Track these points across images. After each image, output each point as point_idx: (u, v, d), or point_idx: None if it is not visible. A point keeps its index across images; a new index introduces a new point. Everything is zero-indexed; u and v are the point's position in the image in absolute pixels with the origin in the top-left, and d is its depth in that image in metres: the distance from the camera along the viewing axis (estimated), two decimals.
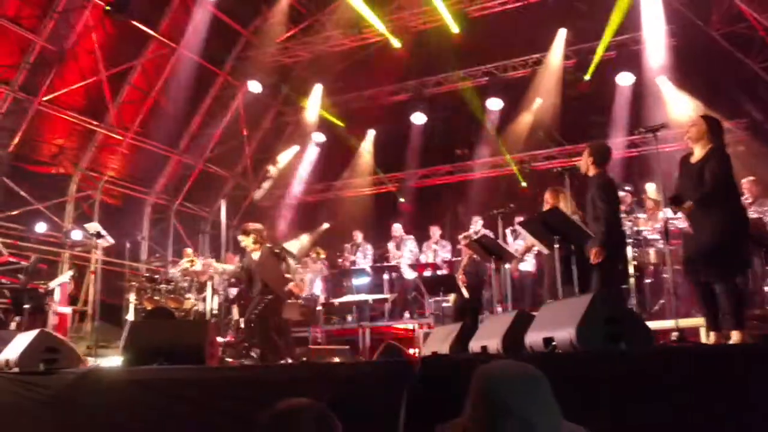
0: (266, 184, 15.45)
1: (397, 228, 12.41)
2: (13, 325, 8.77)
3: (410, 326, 10.99)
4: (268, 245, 8.03)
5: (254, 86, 14.03)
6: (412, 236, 12.31)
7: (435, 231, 11.82)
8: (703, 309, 5.00)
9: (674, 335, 5.15)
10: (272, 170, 15.26)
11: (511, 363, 1.79)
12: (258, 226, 8.29)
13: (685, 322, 6.37)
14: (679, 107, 11.59)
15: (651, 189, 9.74)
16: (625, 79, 12.21)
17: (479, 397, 1.71)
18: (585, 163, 5.85)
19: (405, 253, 12.08)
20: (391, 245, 12.32)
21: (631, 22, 11.77)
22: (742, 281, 7.35)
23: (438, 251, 11.50)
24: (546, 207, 6.62)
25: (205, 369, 4.59)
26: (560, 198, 6.58)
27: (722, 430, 2.79)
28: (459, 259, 10.39)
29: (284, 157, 15.35)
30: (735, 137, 11.47)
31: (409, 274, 11.90)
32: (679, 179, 5.19)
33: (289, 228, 15.37)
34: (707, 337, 5.08)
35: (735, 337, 4.65)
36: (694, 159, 5.06)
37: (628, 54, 12.22)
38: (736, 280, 4.84)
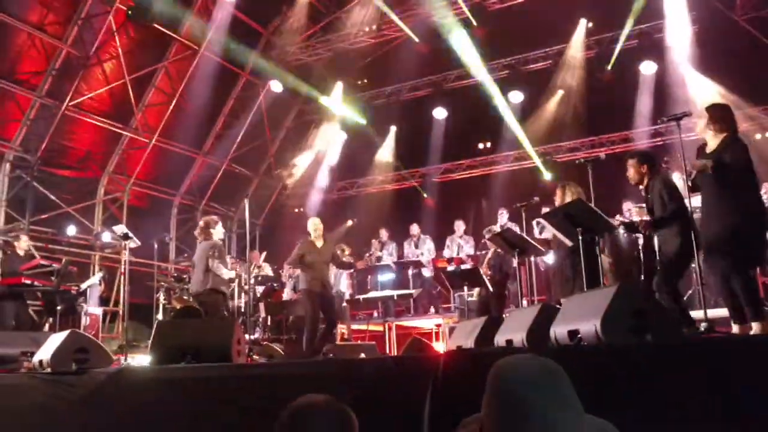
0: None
1: (414, 227, 12.42)
2: (46, 327, 8.97)
3: (435, 321, 11.00)
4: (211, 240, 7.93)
5: (276, 86, 14.12)
6: (428, 236, 12.31)
7: (459, 225, 11.75)
8: (726, 300, 4.93)
9: (703, 326, 5.08)
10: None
11: (527, 357, 1.72)
12: (208, 218, 8.15)
13: (714, 312, 6.28)
14: (704, 94, 11.41)
15: (675, 178, 9.59)
16: (648, 68, 12.07)
17: (494, 395, 1.65)
18: (638, 173, 5.64)
19: (423, 252, 12.07)
20: (407, 243, 12.32)
21: (653, 9, 11.62)
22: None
23: (462, 245, 11.45)
24: (557, 203, 6.62)
25: (231, 367, 4.64)
26: (567, 193, 6.54)
27: (750, 423, 2.75)
28: (483, 252, 10.36)
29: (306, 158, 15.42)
30: (761, 123, 11.28)
31: (428, 273, 11.90)
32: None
33: None
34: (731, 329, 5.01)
35: (755, 328, 4.57)
36: (708, 149, 4.97)
37: (650, 42, 12.08)
38: (750, 271, 4.73)
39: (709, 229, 4.86)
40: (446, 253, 11.66)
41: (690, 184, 5.06)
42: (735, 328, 4.82)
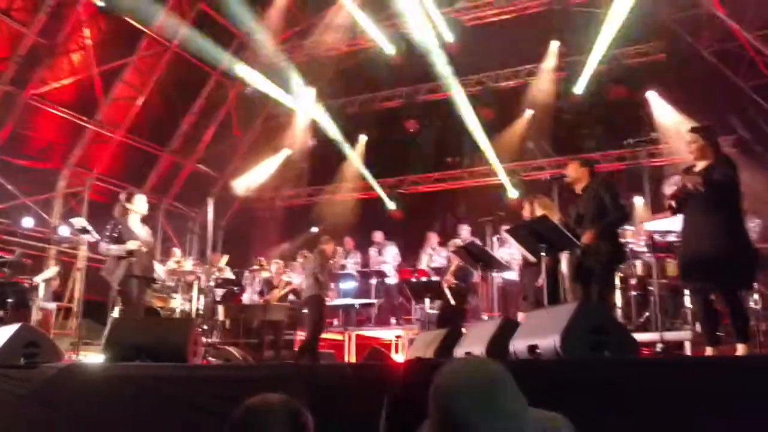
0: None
1: (378, 234, 12.43)
2: None
3: (396, 332, 10.97)
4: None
5: (247, 88, 14.01)
6: (393, 242, 12.32)
7: (432, 237, 11.75)
8: (702, 322, 4.86)
9: (659, 347, 5.15)
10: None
11: (465, 368, 1.69)
12: (123, 195, 7.24)
13: (670, 335, 6.40)
14: (668, 122, 11.67)
15: (639, 203, 9.79)
16: (616, 92, 12.29)
17: (432, 406, 1.64)
18: (577, 173, 5.71)
19: (387, 258, 12.07)
20: (372, 251, 12.32)
21: (623, 35, 11.85)
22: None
23: (433, 256, 11.44)
24: (525, 216, 6.69)
25: (186, 367, 4.55)
26: (535, 206, 6.61)
27: None
28: (447, 264, 10.38)
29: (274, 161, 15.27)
30: None
31: (392, 279, 11.89)
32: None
33: (279, 231, 15.33)
34: (705, 351, 4.88)
35: (740, 350, 4.49)
36: (698, 168, 4.86)
37: (619, 67, 12.30)
38: (741, 292, 4.69)
39: (696, 249, 4.74)
40: (425, 260, 11.54)
41: (674, 204, 4.92)
42: (708, 351, 4.74)
